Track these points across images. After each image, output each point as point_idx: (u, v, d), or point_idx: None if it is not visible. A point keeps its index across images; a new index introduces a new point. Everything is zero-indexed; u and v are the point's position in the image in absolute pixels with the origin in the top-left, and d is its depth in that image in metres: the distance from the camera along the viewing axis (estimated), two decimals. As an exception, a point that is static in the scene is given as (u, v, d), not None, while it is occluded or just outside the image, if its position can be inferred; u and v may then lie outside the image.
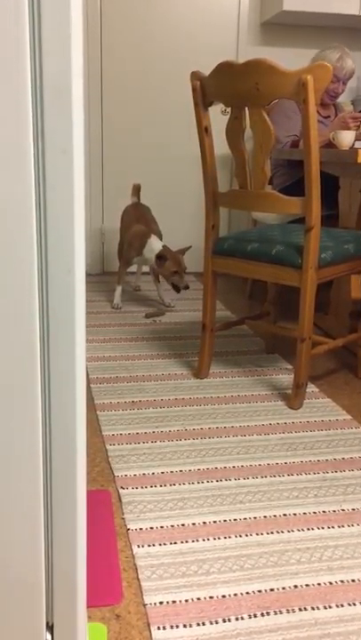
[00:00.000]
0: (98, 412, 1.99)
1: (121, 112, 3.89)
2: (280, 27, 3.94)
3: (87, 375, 2.30)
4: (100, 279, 3.94)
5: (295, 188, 2.95)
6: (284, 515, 1.46)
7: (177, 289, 3.00)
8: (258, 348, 2.65)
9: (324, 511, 1.47)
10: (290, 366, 2.44)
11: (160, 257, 2.96)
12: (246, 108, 1.93)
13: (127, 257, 3.20)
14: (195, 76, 2.03)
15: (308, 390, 2.18)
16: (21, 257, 0.74)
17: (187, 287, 2.96)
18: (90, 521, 1.40)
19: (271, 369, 2.41)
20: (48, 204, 0.74)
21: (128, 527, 1.40)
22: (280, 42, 3.96)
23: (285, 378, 2.31)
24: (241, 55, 3.88)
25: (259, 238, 2.10)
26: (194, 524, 1.41)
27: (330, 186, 2.70)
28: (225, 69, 1.90)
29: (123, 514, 1.45)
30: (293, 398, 2.05)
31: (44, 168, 0.73)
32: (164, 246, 3.03)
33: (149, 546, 1.33)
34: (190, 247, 3.07)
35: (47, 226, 0.75)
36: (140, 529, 1.39)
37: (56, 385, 0.81)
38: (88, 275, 4.08)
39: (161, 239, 3.22)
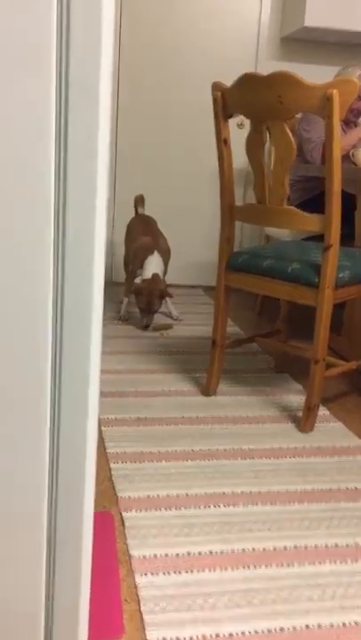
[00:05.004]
0: (102, 428, 1.92)
1: (134, 124, 3.86)
2: (300, 42, 3.90)
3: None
4: (108, 290, 3.88)
5: (312, 203, 2.89)
6: (295, 547, 1.38)
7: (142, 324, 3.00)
8: (266, 367, 2.58)
9: (336, 544, 1.40)
10: (300, 387, 2.37)
11: (137, 291, 2.94)
12: (267, 121, 1.88)
13: (133, 269, 3.15)
14: (216, 86, 1.98)
15: (318, 413, 2.11)
16: (38, 259, 0.69)
17: (147, 326, 2.97)
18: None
19: (281, 389, 2.34)
20: (67, 206, 0.68)
21: (131, 553, 1.32)
22: (300, 57, 3.93)
23: (295, 399, 2.24)
24: (260, 70, 3.84)
25: (275, 254, 2.04)
26: (200, 552, 1.34)
27: (346, 203, 2.64)
28: (248, 81, 1.85)
29: (126, 539, 1.38)
30: (305, 421, 1.98)
31: (65, 170, 0.67)
32: (154, 274, 2.97)
33: (153, 574, 1.26)
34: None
35: (65, 226, 0.70)
36: (144, 556, 1.32)
37: (67, 398, 0.75)
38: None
39: (169, 253, 3.17)
